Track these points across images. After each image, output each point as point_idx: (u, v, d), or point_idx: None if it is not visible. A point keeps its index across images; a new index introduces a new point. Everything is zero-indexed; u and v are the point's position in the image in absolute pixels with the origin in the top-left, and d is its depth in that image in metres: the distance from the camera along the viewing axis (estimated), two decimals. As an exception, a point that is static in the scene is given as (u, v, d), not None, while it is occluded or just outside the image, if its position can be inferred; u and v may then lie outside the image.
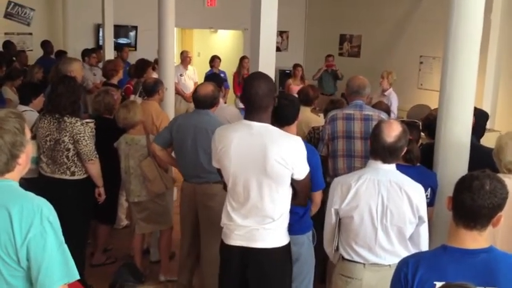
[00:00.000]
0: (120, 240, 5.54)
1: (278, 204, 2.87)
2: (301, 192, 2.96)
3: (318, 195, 3.43)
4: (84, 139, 4.12)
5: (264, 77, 2.95)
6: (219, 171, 3.07)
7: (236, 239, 2.94)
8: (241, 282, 3.01)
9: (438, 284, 1.93)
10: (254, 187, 2.84)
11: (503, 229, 3.03)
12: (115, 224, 5.49)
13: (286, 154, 2.78)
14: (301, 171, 2.86)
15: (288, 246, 3.01)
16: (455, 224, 2.03)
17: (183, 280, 4.38)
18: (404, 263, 2.06)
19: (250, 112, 2.87)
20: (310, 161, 3.35)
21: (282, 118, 3.28)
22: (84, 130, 4.14)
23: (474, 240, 1.99)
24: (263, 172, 2.79)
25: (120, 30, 10.38)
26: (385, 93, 7.78)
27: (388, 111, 5.12)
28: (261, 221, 2.87)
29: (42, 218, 1.94)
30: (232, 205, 2.95)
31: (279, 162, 2.77)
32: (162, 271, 4.81)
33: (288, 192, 2.91)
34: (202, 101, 4.09)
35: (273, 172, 2.79)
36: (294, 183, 2.89)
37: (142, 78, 6.58)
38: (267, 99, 2.84)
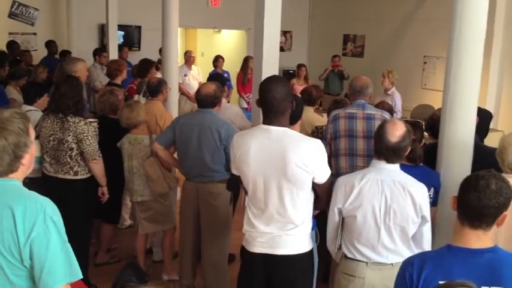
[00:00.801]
0: (123, 240, 5.55)
1: (300, 209, 2.82)
2: (322, 195, 2.90)
3: None
4: (87, 138, 4.13)
5: (280, 80, 2.92)
6: (239, 178, 2.99)
7: (259, 246, 2.89)
8: None
9: None
10: (275, 193, 2.79)
11: (506, 229, 3.03)
12: (119, 223, 5.50)
13: (306, 158, 2.72)
14: (322, 174, 2.81)
15: (311, 251, 2.95)
16: (460, 223, 2.03)
17: (185, 280, 4.39)
18: (409, 263, 2.06)
19: (268, 116, 2.80)
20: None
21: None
22: (87, 129, 4.15)
23: (479, 239, 1.99)
24: (283, 177, 2.74)
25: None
26: (389, 93, 7.77)
27: (391, 110, 5.12)
28: (283, 227, 2.82)
29: (45, 217, 1.94)
30: (253, 212, 2.90)
31: (299, 167, 2.72)
32: (165, 270, 4.82)
33: (310, 196, 2.86)
34: (204, 101, 4.10)
35: (293, 177, 2.74)
36: (315, 186, 2.84)
37: (146, 78, 6.60)
38: (284, 103, 2.78)
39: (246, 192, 3.00)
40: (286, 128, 2.81)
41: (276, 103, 2.76)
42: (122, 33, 10.50)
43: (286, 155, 2.71)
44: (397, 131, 2.77)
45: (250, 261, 2.96)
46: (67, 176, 4.20)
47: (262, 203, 2.83)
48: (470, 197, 1.97)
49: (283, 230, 2.82)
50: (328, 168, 2.86)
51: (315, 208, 2.93)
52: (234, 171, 3.00)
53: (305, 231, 2.87)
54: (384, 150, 2.78)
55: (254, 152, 2.79)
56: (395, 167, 2.83)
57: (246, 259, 3.01)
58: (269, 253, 2.86)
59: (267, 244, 2.86)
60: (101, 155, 4.23)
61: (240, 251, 3.06)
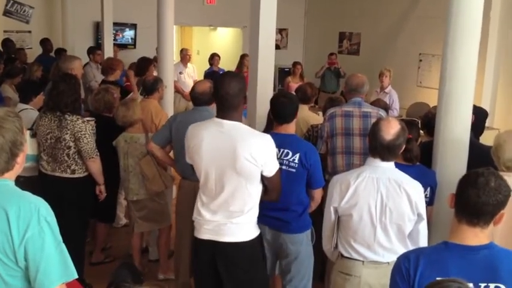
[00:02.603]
0: (119, 239, 5.54)
1: (247, 200, 2.95)
2: (271, 188, 3.03)
3: (318, 193, 3.45)
4: (85, 137, 4.13)
5: (235, 76, 3.05)
6: (192, 167, 3.13)
7: (205, 233, 3.03)
8: (213, 275, 3.08)
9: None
10: (224, 183, 2.92)
11: (502, 228, 3.03)
12: (114, 222, 5.49)
13: (255, 152, 2.85)
14: (271, 168, 2.94)
15: (257, 239, 3.07)
16: (458, 220, 2.03)
17: (181, 278, 4.38)
18: (405, 258, 2.06)
19: (222, 111, 2.95)
20: (309, 159, 3.36)
21: (281, 116, 3.29)
22: (85, 128, 4.15)
23: (476, 236, 2.00)
24: (233, 169, 2.87)
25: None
26: (386, 91, 7.80)
27: (386, 108, 5.12)
28: (229, 216, 2.96)
29: (39, 218, 1.93)
30: (203, 200, 3.03)
31: (249, 160, 2.84)
32: (160, 270, 4.81)
33: (258, 188, 2.98)
34: (200, 98, 4.09)
35: (242, 169, 2.86)
36: (264, 179, 2.96)
37: (144, 76, 6.58)
38: (237, 99, 2.93)
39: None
40: (238, 122, 2.95)
41: (229, 98, 2.90)
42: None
43: (236, 148, 2.85)
44: (391, 129, 2.77)
45: (199, 247, 3.10)
46: (64, 174, 4.19)
47: (213, 192, 2.97)
48: (470, 193, 1.97)
49: (229, 219, 2.96)
50: (277, 161, 3.00)
51: (264, 199, 3.04)
52: (188, 161, 3.13)
53: (251, 220, 3.01)
54: (378, 148, 2.79)
55: (206, 144, 2.93)
56: (391, 165, 2.83)
57: (195, 246, 3.16)
58: (215, 239, 3.00)
59: (213, 231, 3.00)
60: (98, 153, 4.23)
61: (193, 240, 3.17)
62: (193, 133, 3.04)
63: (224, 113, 2.93)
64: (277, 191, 3.08)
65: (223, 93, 2.90)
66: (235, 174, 2.88)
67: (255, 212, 3.02)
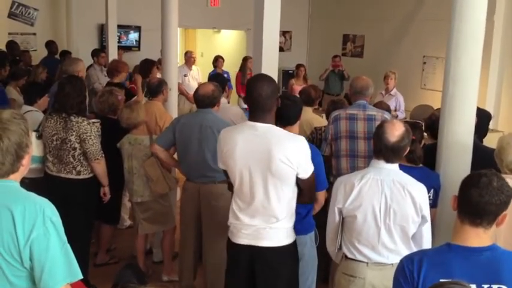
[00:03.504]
0: (123, 241, 5.55)
1: (284, 203, 2.92)
2: (306, 190, 3.00)
3: (321, 195, 3.45)
4: (90, 138, 4.15)
5: (267, 78, 3.01)
6: (225, 172, 3.11)
7: (244, 238, 3.00)
8: (248, 280, 3.06)
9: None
10: (260, 187, 2.89)
11: (505, 230, 3.03)
12: (118, 224, 5.50)
13: (290, 154, 2.82)
14: (306, 170, 2.91)
15: (294, 244, 3.06)
16: (461, 221, 2.04)
17: (185, 280, 4.38)
18: (408, 260, 2.06)
19: (254, 113, 2.92)
20: (313, 160, 3.36)
21: (284, 118, 3.29)
22: (90, 129, 4.17)
23: (479, 237, 2.00)
24: (268, 172, 2.84)
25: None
26: (392, 93, 7.81)
27: (389, 110, 5.13)
28: (267, 220, 2.93)
29: (44, 219, 1.94)
30: (239, 205, 3.00)
31: (284, 162, 2.82)
32: (164, 271, 4.82)
33: (294, 191, 2.95)
34: (201, 101, 4.10)
35: (278, 172, 2.84)
36: (299, 182, 2.93)
37: (148, 78, 6.60)
38: (270, 101, 2.90)
39: (229, 186, 3.11)
40: (271, 125, 2.92)
41: (262, 101, 2.88)
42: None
43: (271, 151, 2.82)
44: (396, 131, 2.78)
45: (236, 252, 3.07)
46: (70, 176, 4.22)
47: (248, 196, 2.93)
48: (472, 193, 1.98)
49: (268, 223, 2.93)
50: (312, 164, 2.95)
51: (298, 202, 3.02)
52: (221, 166, 3.11)
53: (288, 225, 2.98)
54: (383, 150, 2.79)
55: (241, 147, 2.90)
56: (395, 167, 2.84)
57: (231, 251, 3.12)
58: (253, 244, 2.97)
59: (251, 236, 2.97)
60: (103, 155, 4.25)
61: (227, 244, 3.15)
62: (227, 138, 3.00)
63: (257, 115, 2.90)
64: (310, 193, 3.06)
65: (256, 95, 2.87)
66: (271, 177, 2.85)
67: (293, 216, 3.00)
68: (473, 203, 1.98)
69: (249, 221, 2.96)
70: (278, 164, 2.81)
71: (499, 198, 1.97)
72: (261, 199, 2.90)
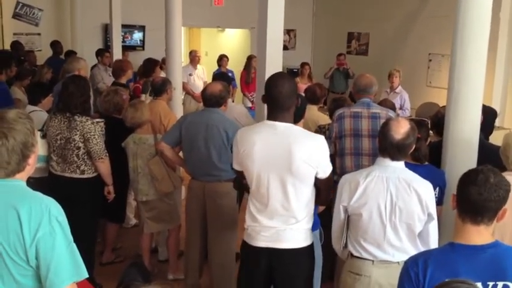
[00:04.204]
0: (128, 239, 5.56)
1: (303, 203, 2.87)
2: (323, 190, 2.96)
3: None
4: (94, 138, 4.16)
5: (287, 77, 2.98)
6: (240, 173, 3.05)
7: (263, 241, 2.93)
8: (265, 283, 3.01)
9: None
10: (279, 187, 2.84)
11: (511, 229, 3.02)
12: (124, 223, 5.52)
13: (311, 153, 2.79)
14: (325, 169, 2.87)
15: (312, 245, 3.01)
16: (462, 220, 2.04)
17: (190, 279, 4.39)
18: (413, 262, 2.06)
19: (274, 112, 2.86)
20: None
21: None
22: (94, 129, 4.18)
23: (480, 235, 2.01)
24: (288, 172, 2.80)
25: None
26: (397, 91, 7.79)
27: (393, 108, 5.11)
28: (286, 221, 2.88)
29: (50, 218, 1.95)
30: (257, 206, 2.94)
31: (305, 162, 2.78)
32: (170, 270, 4.83)
33: (312, 191, 2.92)
34: (209, 100, 4.10)
35: (298, 171, 2.79)
36: (317, 182, 2.89)
37: (151, 77, 6.60)
38: (290, 100, 2.85)
39: (235, 185, 3.04)
40: (291, 124, 2.86)
41: (282, 99, 2.82)
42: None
43: (291, 150, 2.77)
44: (401, 128, 2.77)
45: (254, 255, 3.00)
46: (74, 175, 4.22)
47: (266, 197, 2.88)
48: (471, 191, 1.98)
49: (287, 224, 2.88)
50: (330, 163, 2.92)
51: (315, 203, 2.98)
52: (236, 167, 3.05)
53: (307, 226, 2.94)
54: (388, 148, 2.79)
55: (259, 148, 2.84)
56: (400, 165, 2.83)
57: (249, 254, 3.04)
58: (273, 247, 2.91)
59: (270, 238, 2.91)
60: (107, 154, 4.26)
61: (241, 246, 3.09)
62: (244, 137, 2.93)
63: (276, 114, 2.84)
64: (327, 194, 3.00)
65: (276, 93, 2.81)
66: (291, 176, 2.80)
67: (311, 218, 2.95)
68: (473, 201, 1.98)
69: (267, 223, 2.90)
70: (299, 163, 2.77)
71: (498, 194, 1.97)
72: (280, 200, 2.84)
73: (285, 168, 2.79)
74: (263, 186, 2.87)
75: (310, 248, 2.99)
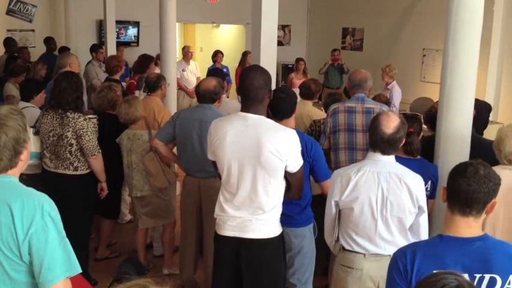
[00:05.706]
0: (123, 235, 5.58)
1: (271, 196, 2.90)
2: (294, 185, 2.98)
3: (326, 184, 3.39)
4: (87, 134, 4.15)
5: (260, 69, 3.00)
6: (214, 164, 3.09)
7: (229, 230, 2.99)
8: (234, 272, 3.05)
9: None
10: (248, 178, 2.87)
11: (503, 222, 3.04)
12: (118, 218, 5.52)
13: (280, 146, 2.81)
14: (295, 163, 2.89)
15: (281, 236, 3.04)
16: (451, 212, 2.05)
17: (186, 274, 4.40)
18: (402, 253, 2.06)
19: (246, 104, 2.91)
20: (310, 151, 3.36)
21: (279, 112, 3.29)
22: (87, 125, 4.17)
23: (469, 227, 2.01)
24: (257, 163, 2.83)
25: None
26: (388, 87, 7.77)
27: (387, 103, 5.12)
28: (253, 212, 2.92)
29: (43, 213, 1.95)
30: (225, 196, 2.99)
31: (273, 154, 2.80)
32: (165, 265, 4.84)
33: (282, 184, 2.94)
34: (203, 95, 4.10)
35: (267, 164, 2.82)
36: (287, 175, 2.92)
37: (145, 73, 6.59)
38: (262, 91, 2.89)
39: (220, 178, 3.07)
40: (263, 117, 2.90)
41: (254, 90, 2.86)
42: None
43: (261, 142, 2.80)
44: (391, 123, 2.79)
45: (222, 244, 3.05)
46: (67, 171, 4.22)
47: (235, 188, 2.92)
48: (460, 183, 1.99)
49: (254, 215, 2.92)
50: (301, 158, 2.94)
51: (286, 197, 3.00)
52: (210, 157, 3.09)
53: (274, 217, 2.96)
54: (379, 142, 2.80)
55: (230, 138, 2.88)
56: (391, 159, 2.85)
57: (217, 243, 3.10)
58: (239, 236, 2.96)
59: (237, 228, 2.96)
60: (100, 150, 4.25)
61: (214, 237, 3.14)
62: (217, 128, 2.99)
63: (248, 106, 2.89)
64: (299, 188, 3.03)
65: (247, 85, 2.86)
66: (260, 168, 2.83)
67: (279, 209, 2.97)
68: (462, 193, 1.99)
69: (234, 213, 2.95)
70: (268, 155, 2.80)
71: (487, 186, 1.98)
72: (249, 191, 2.88)
73: (254, 159, 2.83)
74: (233, 176, 2.91)
75: (277, 239, 3.00)
